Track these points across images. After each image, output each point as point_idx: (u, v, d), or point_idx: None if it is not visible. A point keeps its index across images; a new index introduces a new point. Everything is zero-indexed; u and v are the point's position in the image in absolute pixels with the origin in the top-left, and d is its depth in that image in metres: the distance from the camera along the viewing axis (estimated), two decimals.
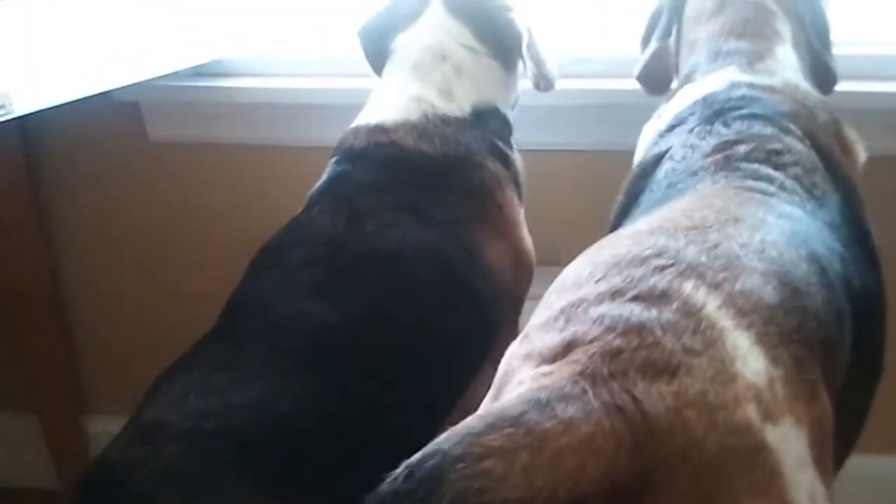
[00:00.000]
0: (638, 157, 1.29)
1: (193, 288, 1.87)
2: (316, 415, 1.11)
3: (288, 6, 1.86)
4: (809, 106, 1.20)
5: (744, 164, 1.07)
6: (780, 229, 0.91)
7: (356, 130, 1.39)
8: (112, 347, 2.00)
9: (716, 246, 0.83)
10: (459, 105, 1.40)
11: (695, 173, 1.09)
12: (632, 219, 1.12)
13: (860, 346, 0.95)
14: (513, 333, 1.37)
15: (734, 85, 1.22)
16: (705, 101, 1.22)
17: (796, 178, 1.06)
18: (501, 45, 1.44)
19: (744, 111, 1.16)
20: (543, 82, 1.45)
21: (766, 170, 1.06)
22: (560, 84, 1.50)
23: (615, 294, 0.77)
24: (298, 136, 1.79)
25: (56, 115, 1.80)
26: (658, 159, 1.19)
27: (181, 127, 1.85)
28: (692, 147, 1.15)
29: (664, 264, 0.79)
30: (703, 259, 0.80)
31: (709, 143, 1.13)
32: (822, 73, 1.33)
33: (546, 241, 1.48)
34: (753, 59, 1.26)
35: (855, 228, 1.09)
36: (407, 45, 1.44)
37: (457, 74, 1.41)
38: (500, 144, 1.42)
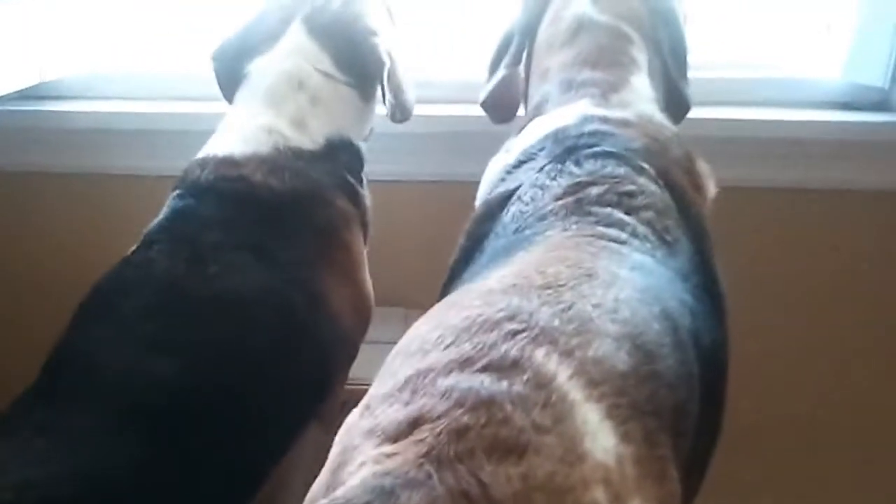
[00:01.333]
0: (482, 195, 1.24)
1: (25, 317, 1.75)
2: (146, 480, 1.03)
3: (123, 23, 1.76)
4: (663, 140, 1.17)
5: (595, 209, 1.04)
6: (633, 284, 0.89)
7: (204, 162, 1.29)
8: None
9: (569, 307, 0.81)
10: (312, 137, 1.32)
11: (544, 217, 1.05)
12: (476, 266, 1.07)
13: (705, 401, 0.94)
14: (344, 381, 1.36)
15: (586, 119, 1.18)
16: (556, 136, 1.17)
17: (648, 223, 1.04)
18: (362, 72, 1.36)
19: (596, 149, 1.13)
20: (400, 112, 1.37)
21: (619, 214, 1.03)
22: None
23: (465, 363, 0.74)
24: (136, 163, 1.69)
25: None
26: (505, 199, 1.14)
27: (7, 154, 1.72)
28: (542, 188, 1.11)
29: (516, 329, 0.76)
30: (557, 323, 0.78)
31: (559, 183, 1.09)
32: (676, 100, 1.31)
33: (387, 280, 1.42)
34: (607, 91, 1.22)
35: (704, 276, 1.07)
36: (262, 71, 1.35)
37: (312, 104, 1.33)
38: (351, 180, 1.35)
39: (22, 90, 1.65)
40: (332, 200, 1.31)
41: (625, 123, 1.17)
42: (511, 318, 0.78)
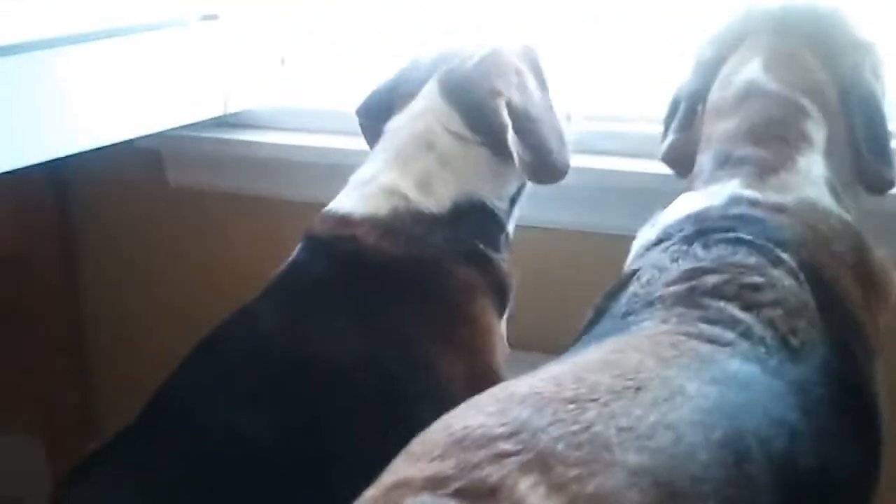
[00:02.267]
0: (625, 267, 1.16)
1: (205, 324, 1.86)
2: None
3: (315, 60, 1.84)
4: (824, 231, 1.05)
5: (707, 301, 0.95)
6: (697, 403, 0.79)
7: (324, 217, 1.29)
8: (126, 378, 2.01)
9: (586, 429, 0.72)
10: (438, 200, 1.26)
11: (651, 304, 0.98)
12: (579, 345, 1.01)
13: None
14: None
15: (734, 200, 1.07)
16: (698, 216, 1.08)
17: (770, 323, 0.93)
18: (492, 132, 1.29)
19: (731, 234, 1.02)
20: (546, 174, 1.31)
21: (733, 310, 0.94)
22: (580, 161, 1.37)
23: (439, 483, 0.68)
24: (315, 193, 1.75)
25: (84, 160, 1.83)
26: (629, 277, 1.07)
27: (199, 175, 1.85)
28: (660, 270, 1.02)
29: (510, 450, 0.69)
30: (560, 447, 0.70)
31: (678, 267, 1.01)
32: (868, 182, 1.16)
33: (545, 327, 1.35)
34: (765, 171, 1.10)
35: (840, 388, 0.94)
36: (394, 130, 1.33)
37: (440, 166, 1.28)
38: (481, 246, 1.28)
39: (218, 117, 1.75)
40: (451, 270, 1.24)
41: (778, 209, 1.05)
42: (510, 436, 0.71)
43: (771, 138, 1.14)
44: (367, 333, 1.19)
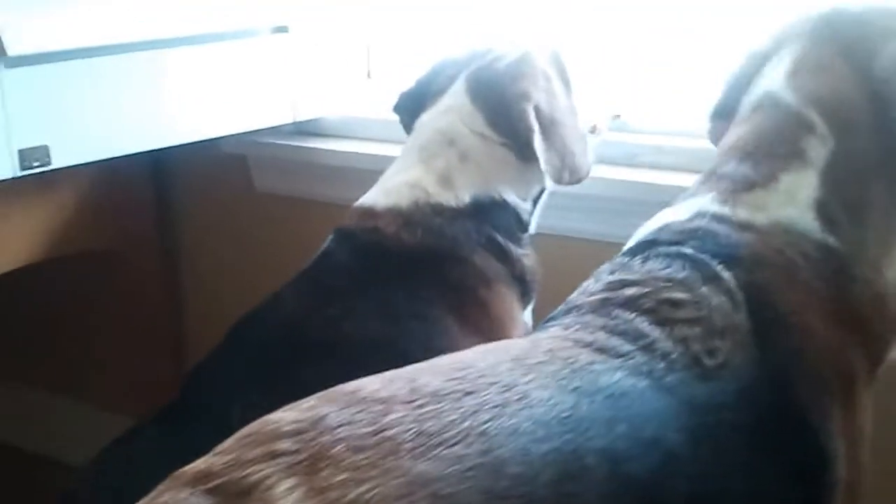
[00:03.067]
0: None
1: None
2: None
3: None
4: (792, 257, 0.96)
5: (618, 311, 0.91)
6: (537, 412, 0.75)
7: (353, 210, 1.37)
8: None
9: (379, 431, 0.69)
10: (457, 194, 1.31)
11: (569, 311, 0.95)
12: None
13: None
14: None
15: (698, 215, 1.00)
16: (660, 229, 1.03)
17: (681, 340, 0.87)
18: (517, 134, 1.33)
19: (673, 248, 0.97)
20: (569, 174, 1.34)
21: (641, 323, 0.89)
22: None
23: (204, 477, 0.68)
24: None
25: (180, 162, 1.98)
26: None
27: (281, 180, 1.93)
28: (596, 279, 0.99)
29: (285, 450, 0.68)
30: (338, 449, 0.67)
31: (608, 279, 0.97)
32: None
33: None
34: (743, 188, 1.01)
35: (762, 417, 0.87)
36: (421, 126, 1.39)
37: (461, 161, 1.33)
38: (500, 239, 1.32)
39: (299, 123, 1.85)
40: (466, 258, 1.29)
41: (744, 227, 0.98)
42: (293, 434, 0.69)
43: (760, 154, 1.05)
44: (386, 316, 1.25)
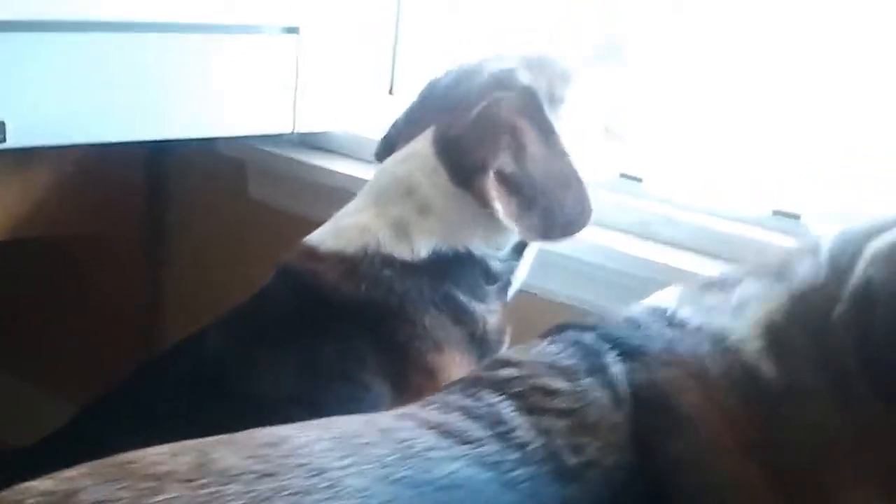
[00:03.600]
0: None
1: None
2: None
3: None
4: (712, 371, 0.81)
5: (485, 393, 0.79)
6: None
7: (300, 246, 1.24)
8: None
9: None
10: (413, 247, 1.18)
11: (449, 386, 0.87)
12: None
13: None
14: None
15: (653, 311, 0.88)
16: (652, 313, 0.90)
17: (546, 432, 0.76)
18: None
19: (581, 333, 0.86)
20: (560, 231, 1.20)
21: (506, 409, 0.77)
22: None
23: None
24: None
25: (178, 156, 1.88)
26: None
27: (277, 192, 1.81)
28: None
29: None
30: None
31: (498, 356, 0.91)
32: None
33: None
34: (706, 288, 0.91)
35: None
36: (382, 169, 1.27)
37: (420, 213, 1.19)
38: (460, 297, 1.19)
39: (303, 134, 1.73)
40: (415, 318, 1.16)
41: (678, 325, 0.85)
42: None
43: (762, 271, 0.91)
44: (309, 372, 1.14)
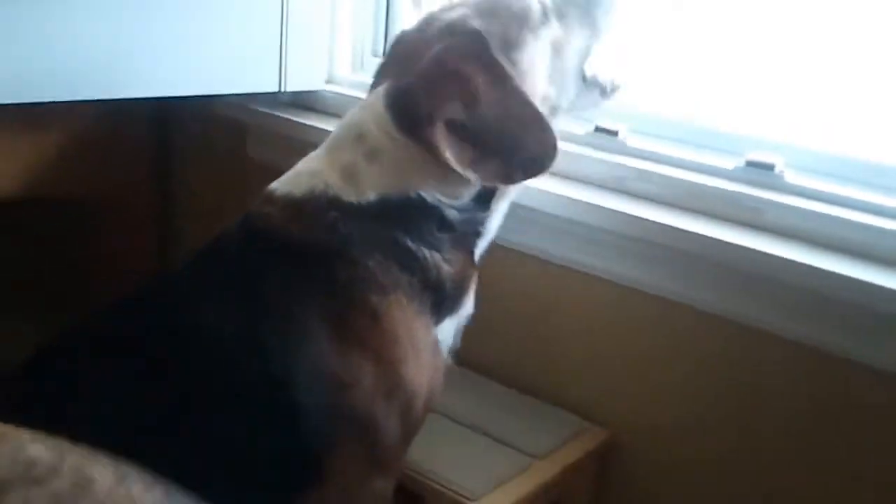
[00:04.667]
0: None
1: None
2: None
3: None
4: None
5: None
6: None
7: (263, 191, 1.24)
8: None
9: None
10: (359, 191, 1.18)
11: None
12: None
13: None
14: (360, 473, 1.18)
15: None
16: None
17: None
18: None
19: None
20: (522, 173, 1.19)
21: None
22: None
23: None
24: None
25: (182, 118, 1.92)
26: None
27: (273, 152, 1.84)
28: None
29: None
30: None
31: None
32: None
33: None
34: None
35: None
36: (341, 119, 1.28)
37: (368, 159, 1.19)
38: (409, 243, 1.18)
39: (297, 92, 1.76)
40: (358, 260, 1.15)
41: None
42: None
43: None
44: (251, 309, 1.14)
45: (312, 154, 1.26)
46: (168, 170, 2.05)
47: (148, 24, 1.52)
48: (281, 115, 1.79)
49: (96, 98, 1.54)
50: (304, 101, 1.82)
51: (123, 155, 1.91)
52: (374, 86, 1.31)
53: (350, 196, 1.18)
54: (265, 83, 1.67)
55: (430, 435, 1.27)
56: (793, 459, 1.34)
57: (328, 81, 1.81)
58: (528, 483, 1.35)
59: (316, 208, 1.17)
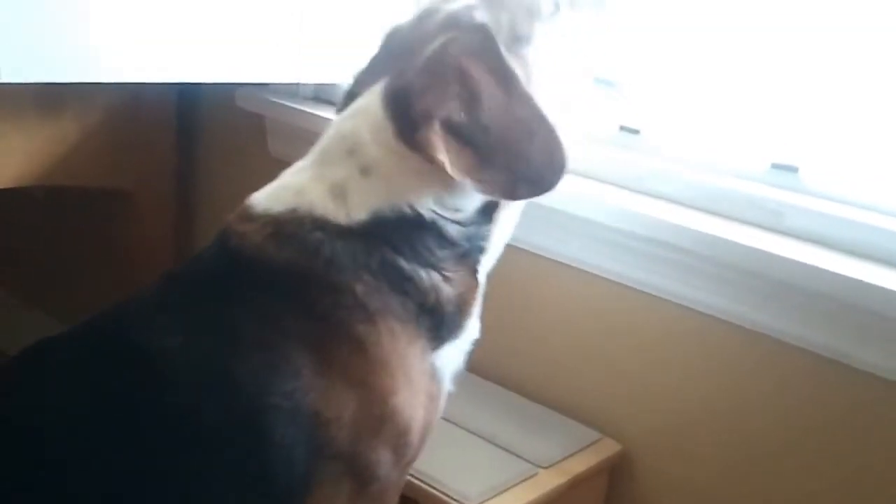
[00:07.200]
0: None
1: None
2: None
3: None
4: None
5: None
6: None
7: (242, 205, 1.14)
8: None
9: None
10: (349, 210, 1.07)
11: None
12: None
13: None
14: None
15: None
16: None
17: None
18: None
19: None
20: (527, 188, 1.07)
21: None
22: None
23: None
24: None
25: (203, 111, 1.91)
26: None
27: (294, 147, 1.81)
28: None
29: None
30: None
31: None
32: None
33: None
34: None
35: None
36: (332, 125, 1.16)
37: (362, 174, 1.08)
38: (402, 264, 1.07)
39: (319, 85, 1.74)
40: (342, 285, 1.05)
41: None
42: None
43: None
44: (224, 339, 1.04)
45: (299, 165, 1.15)
46: (190, 163, 2.03)
47: (169, 6, 1.50)
48: (302, 108, 1.76)
49: (115, 81, 1.51)
50: (326, 95, 1.79)
51: (145, 147, 1.90)
52: (359, 83, 1.19)
53: (338, 216, 1.06)
54: (284, 73, 1.64)
55: (432, 439, 1.19)
56: (816, 477, 1.26)
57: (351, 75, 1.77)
58: (529, 492, 1.30)
59: (298, 228, 1.06)
